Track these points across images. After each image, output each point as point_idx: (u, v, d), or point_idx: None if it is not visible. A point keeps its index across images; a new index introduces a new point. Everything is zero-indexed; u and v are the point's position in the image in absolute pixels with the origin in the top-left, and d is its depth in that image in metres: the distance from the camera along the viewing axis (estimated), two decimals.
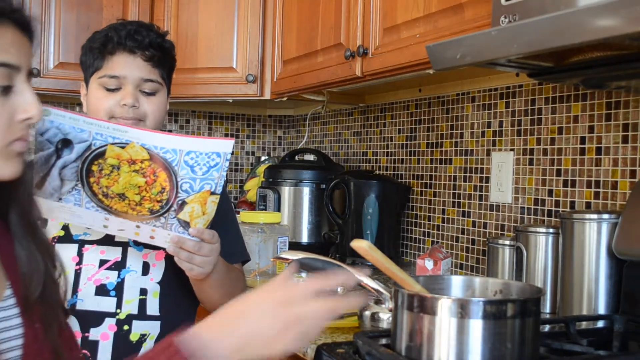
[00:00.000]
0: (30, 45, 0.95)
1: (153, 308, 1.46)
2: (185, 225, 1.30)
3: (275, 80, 2.61)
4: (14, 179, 0.95)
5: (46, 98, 2.65)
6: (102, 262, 1.45)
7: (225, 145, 1.27)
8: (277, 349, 0.84)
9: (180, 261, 1.34)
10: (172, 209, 1.28)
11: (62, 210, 1.31)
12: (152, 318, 1.45)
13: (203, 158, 1.26)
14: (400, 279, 1.12)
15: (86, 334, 1.41)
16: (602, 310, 1.48)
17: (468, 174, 2.17)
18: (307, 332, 0.85)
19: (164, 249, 1.36)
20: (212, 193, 1.29)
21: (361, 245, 1.06)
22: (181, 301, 1.52)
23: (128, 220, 1.30)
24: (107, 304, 1.43)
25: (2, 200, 0.98)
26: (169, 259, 1.41)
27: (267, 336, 0.84)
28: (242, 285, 1.59)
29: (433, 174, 2.34)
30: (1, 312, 0.95)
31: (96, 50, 1.51)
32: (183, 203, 1.28)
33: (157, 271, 1.47)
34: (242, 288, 1.59)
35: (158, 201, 1.28)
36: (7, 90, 0.91)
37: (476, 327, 1.04)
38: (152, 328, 1.45)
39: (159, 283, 1.47)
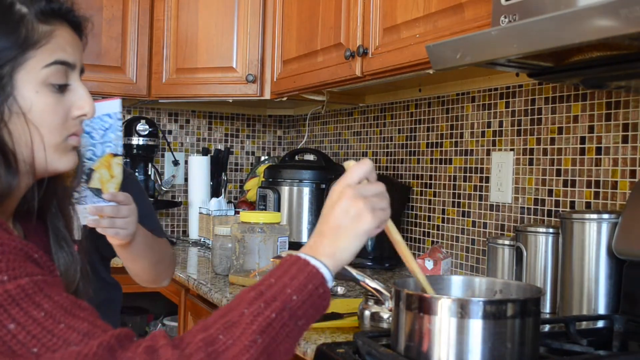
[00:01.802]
0: (81, 44, 1.00)
1: None
2: (98, 192, 1.36)
3: (275, 80, 2.61)
4: (55, 179, 1.01)
5: None
6: None
7: (113, 106, 1.35)
8: (364, 229, 0.92)
9: (104, 229, 1.39)
10: (82, 180, 1.32)
11: None
12: None
13: (97, 122, 1.33)
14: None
15: None
16: (602, 310, 1.48)
17: (468, 174, 2.17)
18: (379, 214, 0.94)
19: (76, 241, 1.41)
20: (115, 155, 1.36)
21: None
22: (96, 289, 1.58)
23: None
24: None
25: (45, 199, 1.02)
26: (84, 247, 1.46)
27: (347, 226, 0.92)
28: (170, 254, 1.69)
29: (433, 174, 2.34)
30: None
31: None
32: (91, 171, 1.34)
33: None
34: (171, 258, 1.70)
35: (67, 177, 1.31)
36: (64, 88, 0.96)
37: (476, 327, 1.04)
38: None
39: None
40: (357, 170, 0.96)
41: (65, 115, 0.96)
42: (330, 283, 0.91)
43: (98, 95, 2.79)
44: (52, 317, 0.81)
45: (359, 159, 0.99)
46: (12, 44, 0.91)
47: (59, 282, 0.88)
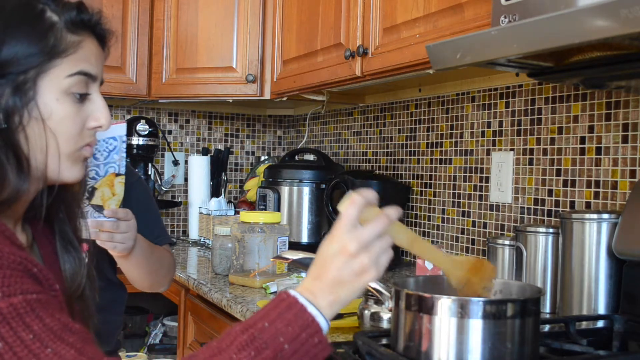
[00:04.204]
0: (104, 56, 1.01)
1: None
2: (99, 208, 1.43)
3: (275, 80, 2.61)
4: (66, 185, 1.01)
5: None
6: None
7: (120, 129, 1.42)
8: (366, 282, 0.92)
9: (103, 242, 1.47)
10: (84, 197, 1.38)
11: None
12: None
13: (102, 145, 1.41)
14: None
15: None
16: (602, 310, 1.48)
17: (468, 174, 2.17)
18: (381, 263, 0.93)
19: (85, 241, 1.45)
20: (117, 174, 1.43)
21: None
22: (101, 290, 1.62)
23: None
24: None
25: (54, 204, 1.02)
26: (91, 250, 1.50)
27: (350, 281, 0.91)
28: (168, 263, 1.74)
29: (433, 173, 2.34)
30: None
31: None
32: (93, 190, 1.40)
33: None
34: (169, 266, 1.75)
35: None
36: (84, 97, 0.97)
37: (476, 327, 1.04)
38: None
39: None
40: (351, 211, 0.92)
41: (82, 125, 0.97)
42: (326, 331, 0.89)
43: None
44: (40, 340, 0.80)
45: (352, 193, 0.96)
46: (40, 50, 0.92)
47: (54, 301, 0.87)
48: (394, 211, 0.95)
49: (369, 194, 0.94)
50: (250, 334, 0.84)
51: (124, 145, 1.43)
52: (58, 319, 0.83)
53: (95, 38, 0.99)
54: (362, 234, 0.91)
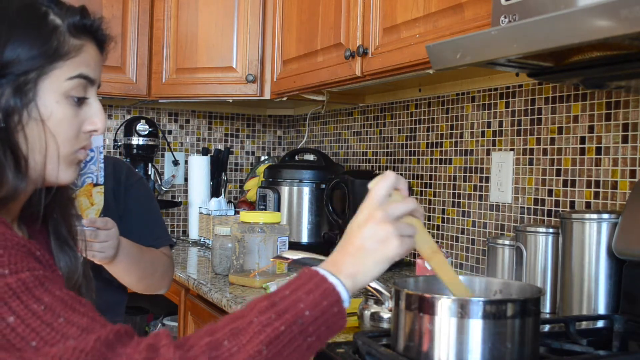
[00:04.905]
0: (102, 60, 1.03)
1: None
2: (78, 218, 1.41)
3: (275, 80, 2.61)
4: (69, 184, 1.02)
5: None
6: None
7: (97, 140, 1.42)
8: (389, 255, 0.92)
9: (81, 251, 1.46)
10: None
11: None
12: None
13: None
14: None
15: None
16: (602, 310, 1.48)
17: (468, 174, 2.17)
18: (406, 241, 0.93)
19: None
20: (95, 185, 1.45)
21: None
22: (99, 291, 1.65)
23: None
24: None
25: (49, 204, 1.03)
26: None
27: (374, 249, 0.92)
28: (163, 266, 1.72)
29: (433, 173, 2.34)
30: None
31: None
32: None
33: None
34: (165, 269, 1.73)
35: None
36: (82, 101, 0.98)
37: (476, 327, 1.04)
38: None
39: None
40: (382, 186, 0.94)
41: (79, 128, 0.98)
42: (347, 303, 0.89)
43: (98, 95, 2.78)
44: (51, 310, 0.81)
45: (380, 173, 0.97)
46: (42, 53, 0.93)
47: (60, 279, 0.88)
48: (421, 209, 0.97)
49: (400, 178, 0.96)
50: (271, 301, 0.85)
51: (102, 156, 1.45)
52: (67, 292, 0.85)
53: (95, 43, 1.00)
54: (390, 206, 0.93)
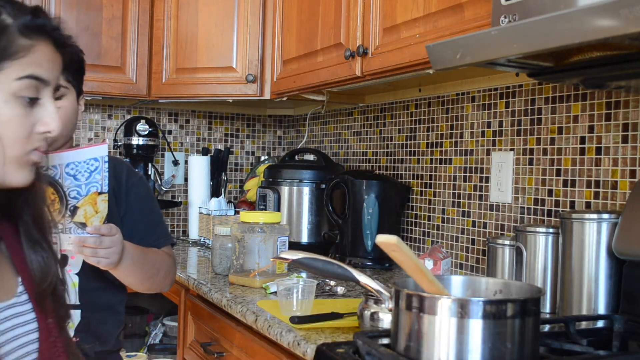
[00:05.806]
0: (61, 63, 1.01)
1: (72, 298, 1.59)
2: (82, 225, 1.46)
3: (275, 80, 2.61)
4: (28, 187, 1.00)
5: None
6: None
7: (101, 150, 1.47)
8: None
9: (87, 257, 1.49)
10: (67, 215, 1.45)
11: None
12: (72, 307, 1.57)
13: (83, 166, 1.45)
14: (428, 281, 1.10)
15: None
16: (602, 310, 1.48)
17: (468, 174, 2.17)
18: None
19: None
20: (100, 193, 1.47)
21: (390, 241, 1.03)
22: (101, 291, 1.68)
23: None
24: None
25: (17, 205, 1.03)
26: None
27: None
28: (166, 266, 1.75)
29: (433, 173, 2.34)
30: (17, 307, 1.00)
31: None
32: (75, 208, 1.45)
33: (76, 263, 1.62)
34: (167, 269, 1.76)
35: (52, 210, 1.40)
36: (34, 102, 0.96)
37: (476, 327, 1.04)
38: (73, 316, 1.58)
39: (77, 274, 1.62)
40: None
41: (30, 129, 0.96)
42: None
43: (98, 95, 2.79)
44: None
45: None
46: None
47: None
48: None
49: None
50: None
51: (107, 165, 1.47)
52: None
53: (51, 43, 0.98)
54: None
